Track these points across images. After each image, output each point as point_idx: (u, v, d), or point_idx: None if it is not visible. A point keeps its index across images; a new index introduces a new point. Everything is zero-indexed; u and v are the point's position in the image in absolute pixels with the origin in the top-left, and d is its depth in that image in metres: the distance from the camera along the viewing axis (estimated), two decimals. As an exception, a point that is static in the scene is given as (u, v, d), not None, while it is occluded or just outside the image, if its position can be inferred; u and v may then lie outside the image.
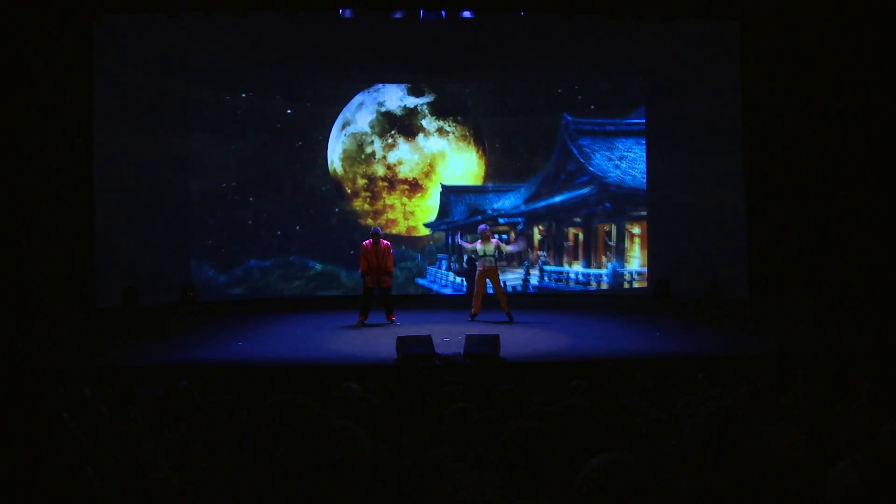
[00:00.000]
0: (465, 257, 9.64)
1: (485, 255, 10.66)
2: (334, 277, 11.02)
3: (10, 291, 9.48)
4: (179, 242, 12.72)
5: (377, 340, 9.36)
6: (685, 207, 13.01)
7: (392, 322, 10.91)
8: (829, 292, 10.02)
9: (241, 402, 4.24)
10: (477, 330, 9.57)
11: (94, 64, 10.65)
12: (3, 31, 9.58)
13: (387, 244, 10.94)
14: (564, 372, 7.18)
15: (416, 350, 7.81)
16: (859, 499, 1.74)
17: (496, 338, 8.01)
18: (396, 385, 6.74)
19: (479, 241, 10.89)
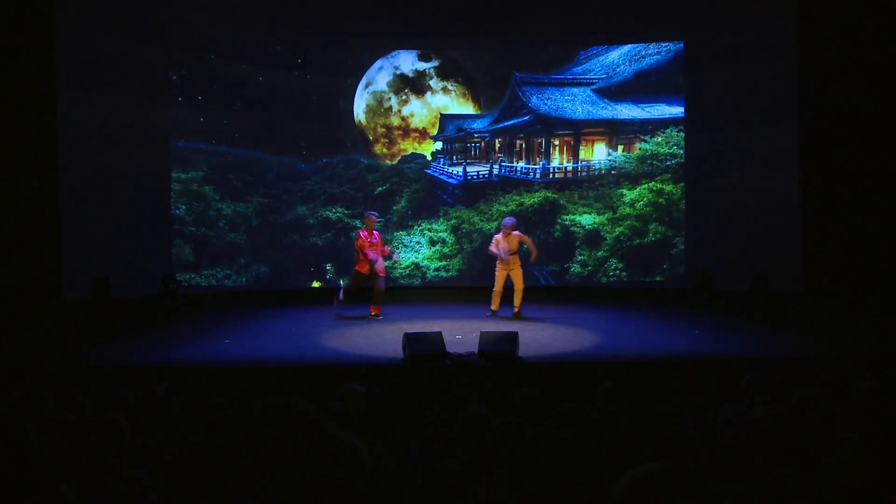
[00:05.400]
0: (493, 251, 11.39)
1: (507, 251, 11.06)
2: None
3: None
4: (159, 227, 12.76)
5: (381, 338, 9.39)
6: (730, 189, 12.95)
7: (375, 316, 11.06)
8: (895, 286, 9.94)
9: (227, 407, 4.27)
10: (493, 326, 9.58)
11: (55, 24, 10.55)
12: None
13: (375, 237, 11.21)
14: (592, 374, 7.17)
15: (424, 348, 7.82)
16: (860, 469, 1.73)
17: (514, 335, 8.01)
18: (403, 388, 6.77)
19: (501, 234, 11.12)
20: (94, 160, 11.36)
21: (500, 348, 7.85)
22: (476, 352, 7.93)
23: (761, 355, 8.34)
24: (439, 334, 8.09)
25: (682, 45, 13.91)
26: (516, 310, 11.10)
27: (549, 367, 7.82)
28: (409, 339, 7.90)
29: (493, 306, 11.29)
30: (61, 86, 10.71)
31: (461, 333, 9.56)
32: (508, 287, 11.18)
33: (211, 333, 10.06)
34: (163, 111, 12.80)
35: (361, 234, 11.13)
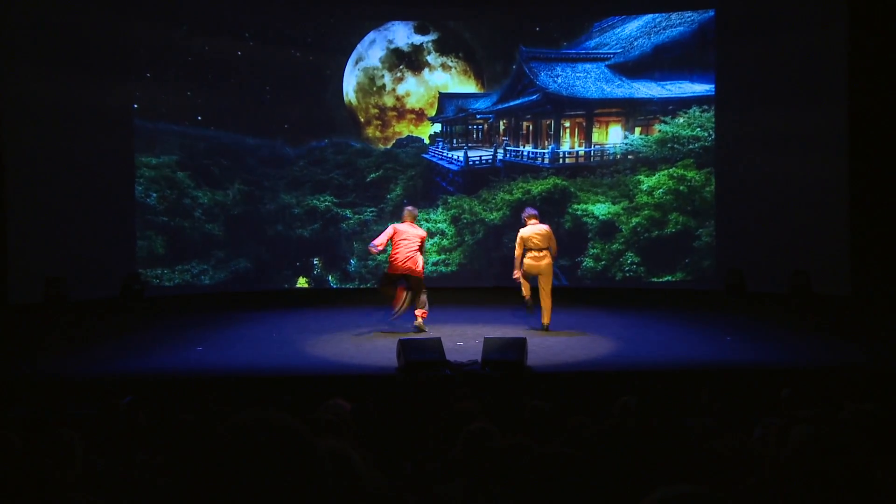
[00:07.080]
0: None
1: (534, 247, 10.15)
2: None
3: None
4: (121, 219, 12.73)
5: (373, 345, 9.41)
6: (766, 177, 12.90)
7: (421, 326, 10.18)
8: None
9: (198, 424, 4.27)
10: (498, 332, 9.57)
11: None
12: None
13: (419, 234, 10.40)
14: (610, 385, 7.17)
15: (421, 357, 7.82)
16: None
17: (522, 342, 8.02)
18: (397, 401, 6.76)
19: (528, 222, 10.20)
20: (45, 144, 11.31)
21: (506, 356, 7.85)
22: (479, 360, 7.93)
23: (802, 365, 8.33)
24: (438, 340, 8.11)
25: (711, 13, 13.87)
26: (543, 326, 10.25)
27: (561, 377, 7.82)
28: (405, 345, 7.91)
29: (541, 308, 10.29)
30: (4, 60, 10.65)
31: (462, 339, 9.56)
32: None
33: (181, 340, 10.06)
34: (126, 88, 12.76)
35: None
